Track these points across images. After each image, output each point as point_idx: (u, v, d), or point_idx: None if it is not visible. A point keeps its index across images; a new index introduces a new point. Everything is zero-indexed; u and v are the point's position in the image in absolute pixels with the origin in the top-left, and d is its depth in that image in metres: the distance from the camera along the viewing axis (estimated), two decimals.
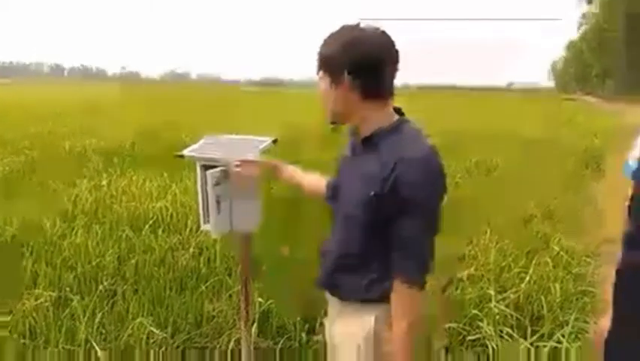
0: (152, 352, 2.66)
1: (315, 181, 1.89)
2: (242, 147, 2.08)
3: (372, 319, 1.54)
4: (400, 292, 1.45)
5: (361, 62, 1.45)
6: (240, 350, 2.49)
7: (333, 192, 1.62)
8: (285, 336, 2.92)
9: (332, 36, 1.50)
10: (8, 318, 2.88)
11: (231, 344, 2.78)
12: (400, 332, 1.45)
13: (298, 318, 2.99)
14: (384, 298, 1.49)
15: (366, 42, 1.45)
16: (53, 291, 3.17)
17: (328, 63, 1.49)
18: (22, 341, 2.73)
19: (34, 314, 2.92)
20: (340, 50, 1.46)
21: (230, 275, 3.54)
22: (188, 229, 4.35)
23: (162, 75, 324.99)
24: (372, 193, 1.42)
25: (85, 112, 18.52)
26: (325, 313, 1.77)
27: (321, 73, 1.52)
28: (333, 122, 1.58)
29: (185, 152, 2.15)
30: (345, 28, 1.48)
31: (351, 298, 1.59)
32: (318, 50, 1.52)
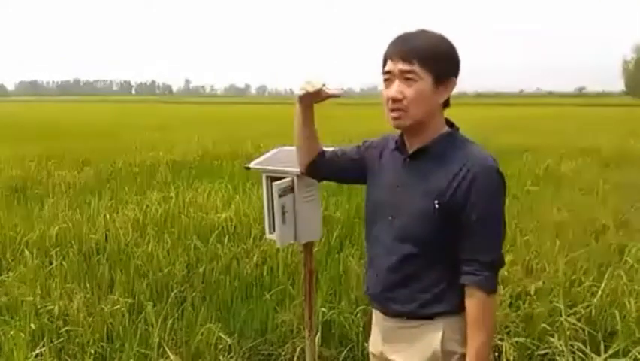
0: (220, 357, 2.74)
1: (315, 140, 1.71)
2: None
3: (439, 335, 1.43)
4: (478, 302, 1.36)
5: (459, 69, 1.42)
6: (304, 359, 2.53)
7: (387, 206, 1.49)
8: (348, 346, 2.94)
9: (431, 36, 1.37)
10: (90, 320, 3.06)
11: (297, 352, 2.82)
12: (480, 345, 1.37)
13: (360, 328, 3.00)
14: (449, 312, 1.42)
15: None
16: (128, 297, 3.34)
17: (438, 61, 1.36)
18: (100, 343, 2.89)
19: (111, 319, 3.09)
20: (452, 52, 1.38)
21: (292, 284, 3.59)
22: (251, 239, 4.46)
23: (224, 89, 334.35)
24: (437, 203, 1.37)
25: (152, 127, 19.36)
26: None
27: (417, 69, 1.34)
28: (402, 128, 1.43)
29: (252, 164, 2.23)
30: (433, 32, 1.38)
31: (413, 313, 1.46)
32: (408, 44, 1.35)
